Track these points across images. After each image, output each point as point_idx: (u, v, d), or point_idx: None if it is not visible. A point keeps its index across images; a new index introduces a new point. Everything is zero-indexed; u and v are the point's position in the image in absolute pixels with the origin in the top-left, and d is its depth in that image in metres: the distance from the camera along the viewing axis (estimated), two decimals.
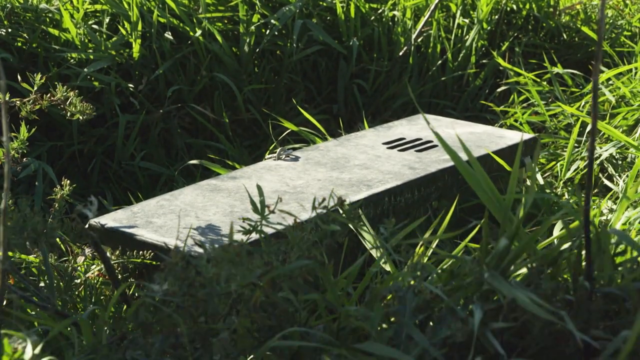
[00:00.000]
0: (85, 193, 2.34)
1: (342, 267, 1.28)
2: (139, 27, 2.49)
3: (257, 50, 2.61)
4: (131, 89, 2.47)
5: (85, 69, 2.39)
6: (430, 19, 2.71)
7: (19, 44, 2.48)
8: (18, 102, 1.63)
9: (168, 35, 2.56)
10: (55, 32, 2.51)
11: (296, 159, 1.82)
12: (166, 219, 1.53)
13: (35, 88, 1.61)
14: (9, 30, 2.49)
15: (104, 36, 2.54)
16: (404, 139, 1.93)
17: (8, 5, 2.51)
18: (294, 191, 1.64)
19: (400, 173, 1.72)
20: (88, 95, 2.42)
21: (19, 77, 1.85)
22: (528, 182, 1.64)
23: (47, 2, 2.61)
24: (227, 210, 1.56)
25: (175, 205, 1.58)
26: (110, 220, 1.54)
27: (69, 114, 1.60)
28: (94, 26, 2.55)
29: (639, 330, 0.88)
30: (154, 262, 1.46)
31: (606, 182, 1.38)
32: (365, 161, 1.80)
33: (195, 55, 2.60)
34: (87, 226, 1.52)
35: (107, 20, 2.61)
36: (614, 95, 2.37)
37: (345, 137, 1.98)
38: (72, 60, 2.46)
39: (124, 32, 2.53)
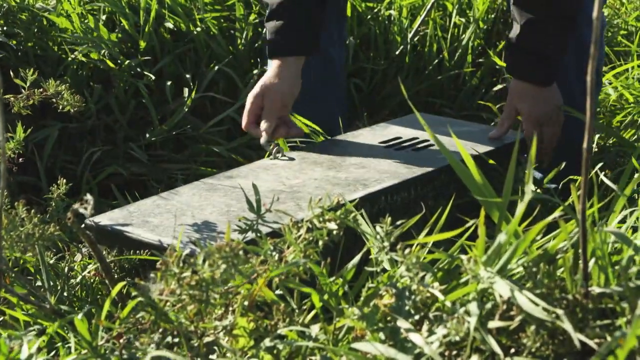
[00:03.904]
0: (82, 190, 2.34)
1: (338, 266, 1.28)
2: (147, 21, 2.50)
3: (255, 47, 2.61)
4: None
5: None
6: (427, 18, 2.71)
7: (14, 42, 2.49)
8: (12, 98, 1.63)
9: (169, 24, 2.56)
10: (52, 31, 2.51)
11: (292, 158, 1.82)
12: (162, 219, 1.52)
13: (28, 84, 1.62)
14: (5, 28, 2.50)
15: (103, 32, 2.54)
16: (400, 137, 1.93)
17: (5, 5, 2.52)
18: (291, 190, 1.63)
19: (397, 172, 1.72)
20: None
21: (11, 73, 1.86)
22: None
23: (43, 1, 2.61)
24: (224, 209, 1.56)
25: (171, 205, 1.58)
26: (107, 219, 1.53)
27: (60, 107, 1.61)
28: (91, 25, 2.55)
29: (637, 331, 0.88)
30: (151, 260, 1.46)
31: (604, 179, 1.37)
32: (362, 160, 1.79)
33: (196, 52, 2.60)
34: (82, 226, 1.51)
35: (103, 17, 2.61)
36: (614, 93, 2.37)
37: (342, 137, 1.97)
38: (72, 55, 2.46)
39: (126, 26, 2.54)
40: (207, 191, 1.64)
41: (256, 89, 1.93)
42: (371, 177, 1.69)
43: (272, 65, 1.95)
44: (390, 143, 1.90)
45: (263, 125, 1.89)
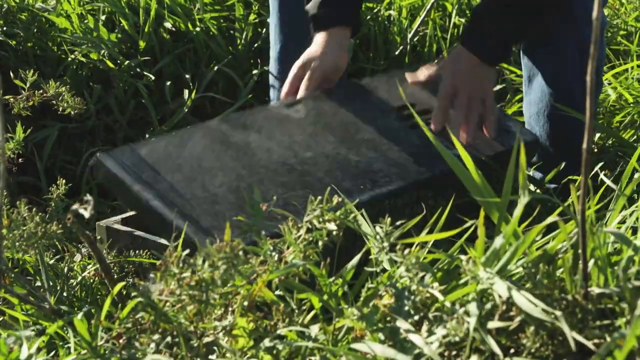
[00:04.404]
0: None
1: (338, 267, 1.28)
2: (147, 21, 2.50)
3: (255, 47, 2.61)
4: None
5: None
6: (426, 18, 2.71)
7: (14, 43, 2.49)
8: (12, 99, 1.63)
9: (168, 24, 2.56)
10: (52, 31, 2.51)
11: (311, 109, 1.75)
12: (172, 179, 1.46)
13: (28, 85, 1.62)
14: (5, 29, 2.50)
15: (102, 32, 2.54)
16: (415, 105, 1.79)
17: (4, 5, 2.52)
18: (301, 169, 1.59)
19: (406, 167, 1.67)
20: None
21: (11, 74, 1.86)
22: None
23: (43, 1, 2.62)
24: (233, 183, 1.50)
25: (182, 159, 1.52)
26: (116, 164, 1.47)
27: (60, 109, 1.61)
28: (91, 25, 2.56)
29: (637, 332, 0.88)
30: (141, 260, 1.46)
31: (604, 178, 1.38)
32: (374, 136, 1.73)
33: (195, 52, 2.60)
34: (94, 160, 1.45)
35: (103, 18, 2.61)
36: (613, 94, 2.37)
37: (362, 85, 1.90)
38: (72, 56, 2.46)
39: (126, 26, 2.54)
40: (220, 145, 1.57)
41: (299, 60, 1.90)
42: (380, 170, 1.64)
43: (316, 40, 1.92)
44: (405, 113, 1.82)
45: (300, 94, 1.84)
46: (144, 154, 1.51)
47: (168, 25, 2.58)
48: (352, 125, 1.76)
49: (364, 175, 1.63)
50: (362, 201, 1.53)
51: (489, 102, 1.82)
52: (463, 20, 2.75)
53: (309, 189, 1.53)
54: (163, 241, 1.56)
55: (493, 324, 1.00)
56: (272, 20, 2.25)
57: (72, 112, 1.61)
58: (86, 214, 1.13)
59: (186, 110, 2.48)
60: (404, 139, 1.75)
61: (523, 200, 1.09)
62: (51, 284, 1.46)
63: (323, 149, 1.67)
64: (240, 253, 1.02)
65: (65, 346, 1.26)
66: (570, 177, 1.80)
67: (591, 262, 1.05)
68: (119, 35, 2.57)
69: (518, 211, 1.09)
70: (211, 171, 1.52)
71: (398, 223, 1.16)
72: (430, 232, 1.22)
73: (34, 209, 1.25)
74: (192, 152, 1.54)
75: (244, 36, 2.59)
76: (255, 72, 2.55)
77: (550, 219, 1.09)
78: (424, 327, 1.03)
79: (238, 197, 1.47)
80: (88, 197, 1.13)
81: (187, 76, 2.56)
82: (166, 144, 1.54)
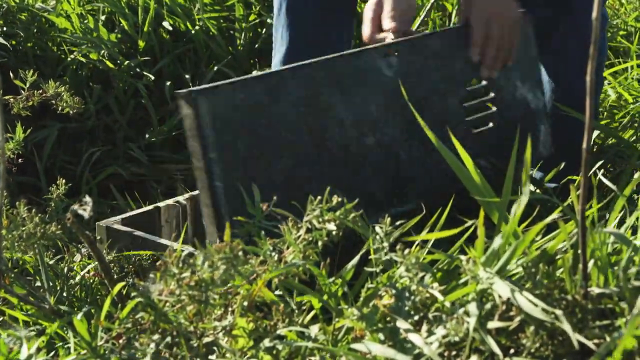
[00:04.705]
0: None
1: (338, 267, 1.28)
2: (146, 20, 2.50)
3: (255, 47, 2.61)
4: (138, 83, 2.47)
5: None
6: (426, 18, 2.71)
7: (14, 43, 2.49)
8: (12, 99, 1.63)
9: (168, 24, 2.56)
10: (52, 31, 2.51)
11: (401, 67, 1.64)
12: (247, 147, 1.38)
13: (28, 85, 1.62)
14: (4, 29, 2.50)
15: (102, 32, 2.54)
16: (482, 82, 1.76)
17: (4, 5, 2.52)
18: (354, 161, 1.52)
19: (438, 182, 1.61)
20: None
21: (10, 74, 1.87)
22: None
23: (43, 1, 2.62)
24: (293, 170, 1.42)
25: (269, 115, 1.42)
26: (208, 111, 1.36)
27: (59, 109, 1.62)
28: (90, 25, 2.56)
29: (633, 331, 0.88)
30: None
31: (603, 179, 1.38)
32: (433, 124, 1.61)
33: (195, 53, 2.60)
34: (186, 94, 1.36)
35: (103, 18, 2.61)
36: (613, 93, 2.37)
37: (454, 37, 1.80)
38: (72, 56, 2.46)
39: (126, 26, 2.54)
40: (306, 105, 1.48)
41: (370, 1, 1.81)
42: (414, 183, 1.58)
43: None
44: (470, 89, 1.74)
45: (386, 26, 1.74)
46: (239, 101, 1.40)
47: (168, 25, 2.59)
48: (425, 101, 1.65)
49: (400, 188, 1.57)
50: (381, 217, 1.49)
51: (515, 36, 1.80)
52: None
53: (349, 193, 1.39)
54: (163, 241, 1.57)
55: (493, 324, 1.00)
56: (279, 21, 2.24)
57: (71, 112, 1.62)
58: (85, 215, 1.13)
59: None
60: (456, 133, 1.56)
61: (523, 200, 1.08)
62: (51, 284, 1.46)
63: (385, 135, 1.58)
64: (240, 253, 1.02)
65: (65, 346, 1.26)
66: (570, 177, 1.80)
67: (591, 262, 1.05)
68: (119, 35, 2.57)
69: (518, 211, 1.09)
70: (283, 145, 1.44)
71: (398, 223, 1.16)
72: (430, 232, 1.22)
73: (34, 210, 1.25)
74: (280, 109, 1.45)
75: (243, 36, 2.59)
76: (255, 72, 2.55)
77: (550, 219, 1.09)
78: (424, 327, 1.03)
79: (289, 194, 1.35)
80: (87, 197, 1.13)
81: (187, 76, 2.56)
82: (264, 87, 1.44)
